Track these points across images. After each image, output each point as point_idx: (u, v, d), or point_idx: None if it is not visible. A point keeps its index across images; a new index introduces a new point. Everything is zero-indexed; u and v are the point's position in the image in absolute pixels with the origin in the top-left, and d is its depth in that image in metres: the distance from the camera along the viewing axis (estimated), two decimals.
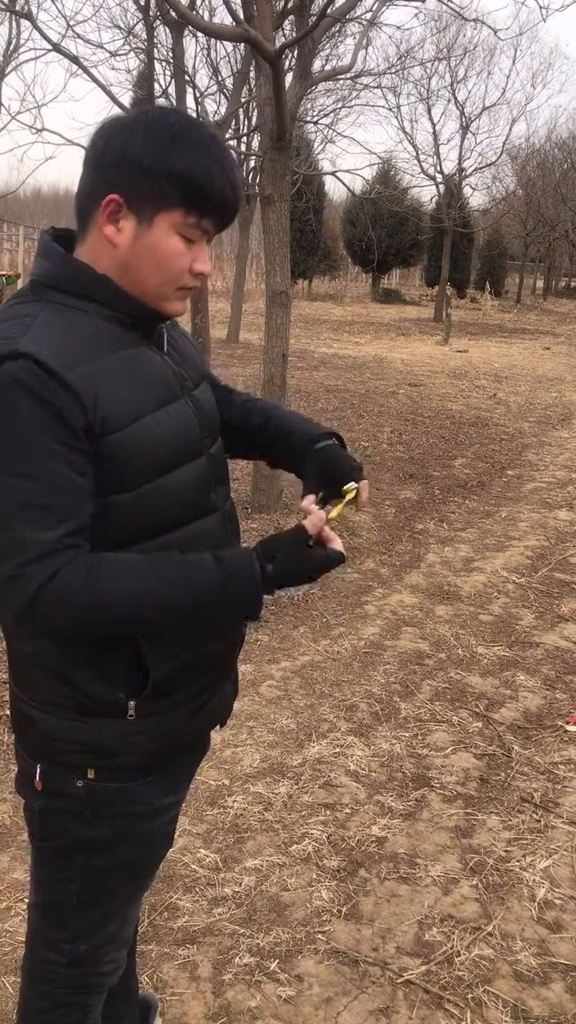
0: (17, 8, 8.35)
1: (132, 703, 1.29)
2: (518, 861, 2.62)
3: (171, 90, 9.06)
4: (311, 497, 1.39)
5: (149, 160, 1.19)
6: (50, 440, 1.14)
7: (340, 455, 1.47)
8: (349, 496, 1.43)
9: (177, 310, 1.31)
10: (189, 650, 1.33)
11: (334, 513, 1.38)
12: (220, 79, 12.13)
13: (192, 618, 1.22)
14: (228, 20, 6.37)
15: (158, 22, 8.74)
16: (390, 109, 22.91)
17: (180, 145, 1.20)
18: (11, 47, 12.77)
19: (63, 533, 1.15)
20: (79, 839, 1.37)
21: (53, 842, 1.39)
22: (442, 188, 24.64)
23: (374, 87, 14.37)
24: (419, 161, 25.13)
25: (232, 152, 1.31)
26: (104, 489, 1.21)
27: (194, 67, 16.28)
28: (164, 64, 9.83)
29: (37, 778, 1.35)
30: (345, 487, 1.43)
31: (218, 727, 1.52)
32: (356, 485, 1.43)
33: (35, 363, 1.14)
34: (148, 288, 1.26)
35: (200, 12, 9.38)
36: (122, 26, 9.93)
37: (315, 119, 15.04)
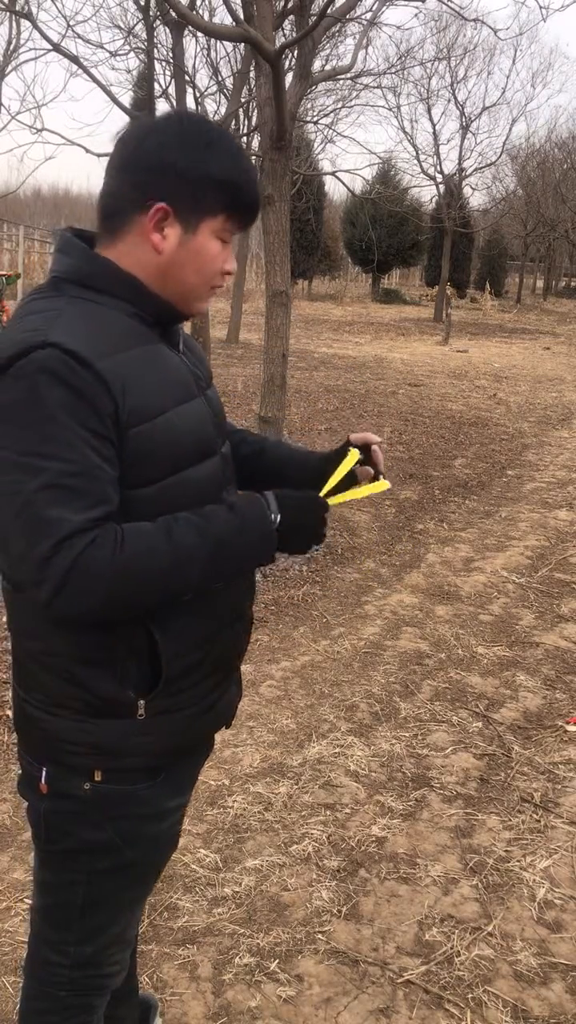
0: (17, 8, 8.35)
1: (142, 702, 1.29)
2: (518, 861, 2.62)
3: (171, 90, 9.07)
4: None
5: (193, 169, 1.24)
6: (79, 426, 1.15)
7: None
8: (353, 454, 1.51)
9: (203, 309, 1.38)
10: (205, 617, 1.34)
11: (341, 474, 1.48)
12: (220, 79, 12.12)
13: (213, 565, 1.24)
14: (228, 20, 6.37)
15: (158, 22, 8.74)
16: (390, 109, 22.94)
17: (216, 153, 1.25)
18: (11, 47, 12.78)
19: (95, 516, 1.16)
20: (85, 842, 1.37)
21: (59, 845, 1.39)
22: (442, 188, 24.66)
23: (374, 87, 14.38)
24: (419, 161, 25.18)
25: None
26: (127, 482, 1.21)
27: (194, 67, 16.32)
28: (164, 64, 9.83)
29: (43, 780, 1.35)
30: (350, 450, 1.52)
31: (224, 727, 1.53)
32: (356, 445, 1.53)
33: (65, 352, 1.14)
34: (186, 290, 1.30)
35: (200, 12, 9.38)
36: (122, 26, 9.93)
37: (315, 119, 15.04)
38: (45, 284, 1.28)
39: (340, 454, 1.54)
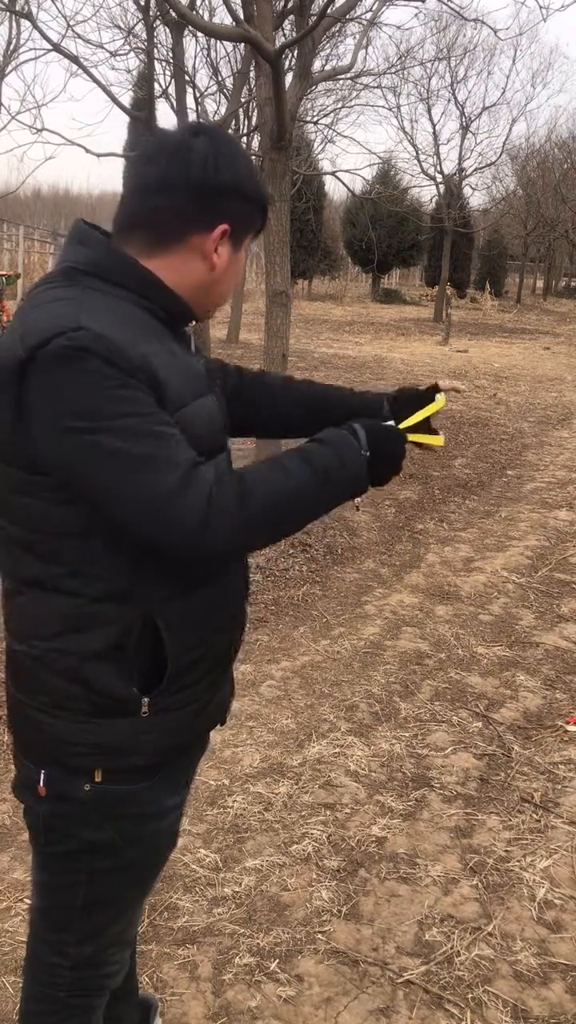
0: (17, 8, 8.36)
1: (146, 699, 1.30)
2: (518, 861, 2.62)
3: (171, 90, 9.07)
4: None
5: (255, 193, 1.33)
6: (132, 391, 1.16)
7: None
8: (441, 400, 1.61)
9: (211, 314, 1.44)
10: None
11: (425, 415, 1.58)
12: (220, 79, 12.12)
13: (320, 497, 1.32)
14: (228, 20, 6.37)
15: (158, 22, 8.74)
16: (390, 109, 22.93)
17: (258, 172, 1.36)
18: (11, 47, 12.77)
19: (195, 453, 1.21)
20: (86, 843, 1.36)
21: (58, 847, 1.39)
22: (442, 188, 24.66)
23: (374, 87, 14.38)
24: (419, 161, 25.16)
25: None
26: None
27: (194, 67, 16.31)
28: (164, 64, 9.83)
29: (41, 783, 1.34)
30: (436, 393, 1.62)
31: (218, 726, 1.53)
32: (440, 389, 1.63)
33: (99, 336, 1.14)
34: (218, 301, 1.38)
35: (200, 12, 9.38)
36: (122, 26, 9.93)
37: (315, 119, 15.04)
38: (56, 273, 1.27)
39: (426, 397, 1.61)
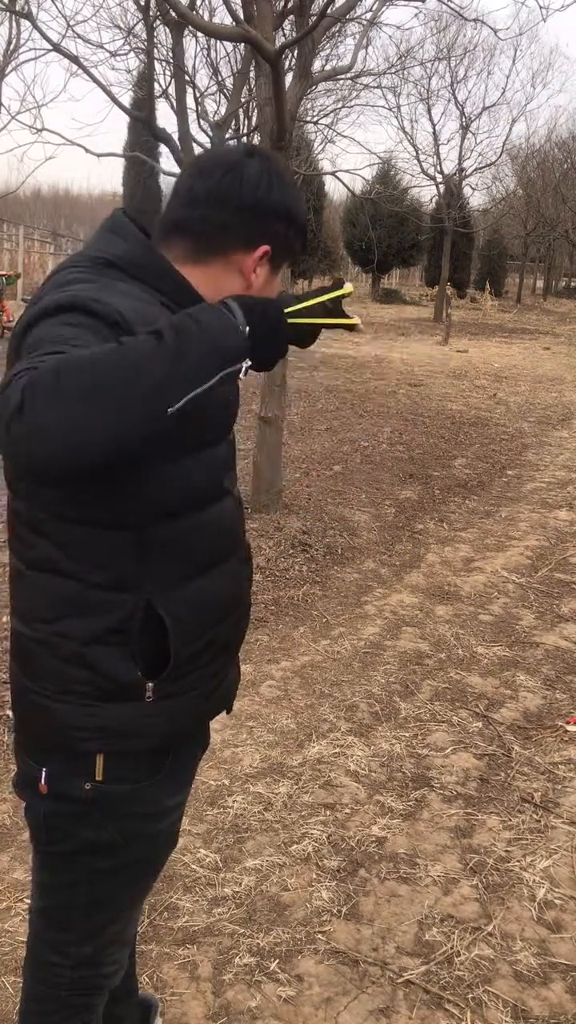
0: (17, 8, 8.36)
1: (151, 684, 1.30)
2: (518, 861, 2.62)
3: (171, 90, 9.06)
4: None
5: (297, 216, 1.35)
6: (109, 340, 1.10)
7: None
8: (348, 288, 1.40)
9: None
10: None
11: (320, 299, 1.33)
12: (220, 79, 12.11)
13: (177, 354, 1.05)
14: (228, 20, 6.37)
15: (158, 22, 8.73)
16: (390, 109, 22.91)
17: (303, 203, 1.37)
18: (11, 47, 12.79)
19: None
20: (86, 842, 1.37)
21: (59, 846, 1.39)
22: (442, 188, 24.66)
23: (374, 87, 14.36)
24: (419, 161, 25.17)
25: None
26: (145, 461, 1.18)
27: (194, 67, 16.30)
28: (164, 64, 9.82)
29: (43, 781, 1.34)
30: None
31: (224, 713, 1.53)
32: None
33: (116, 310, 1.14)
34: None
35: (200, 12, 9.38)
36: (122, 26, 9.91)
37: (315, 119, 15.03)
38: (84, 259, 1.25)
39: (328, 288, 1.46)
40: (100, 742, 1.32)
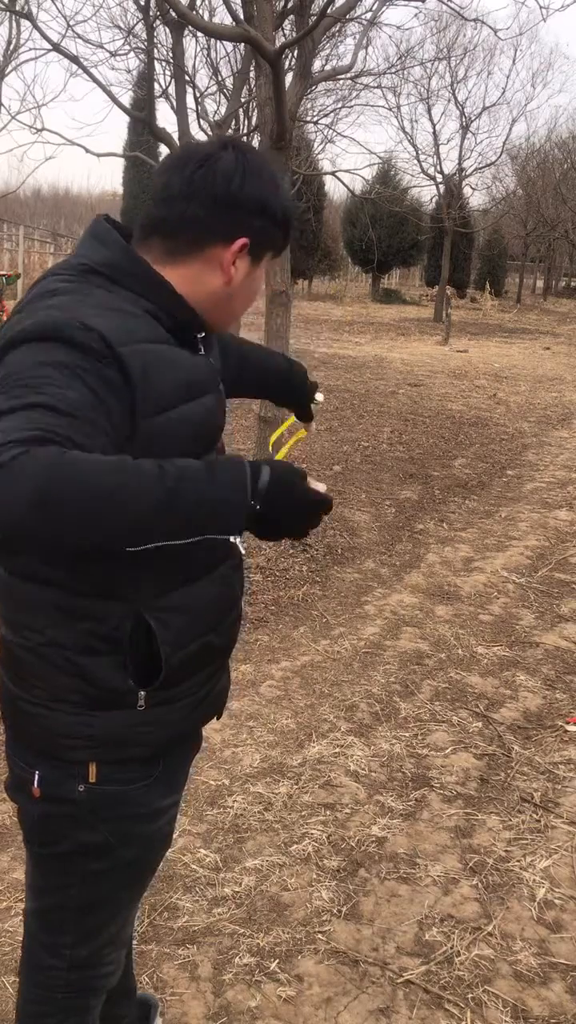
0: (17, 8, 8.36)
1: (143, 693, 1.30)
2: (518, 861, 2.62)
3: (171, 90, 9.07)
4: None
5: (281, 212, 1.33)
6: (86, 383, 1.09)
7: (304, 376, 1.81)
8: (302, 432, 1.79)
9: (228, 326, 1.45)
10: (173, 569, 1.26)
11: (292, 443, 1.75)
12: (220, 79, 12.12)
13: (167, 507, 1.05)
14: (228, 20, 6.37)
15: (158, 22, 8.73)
16: (390, 109, 22.89)
17: (285, 191, 1.35)
18: (11, 47, 12.78)
19: (41, 435, 1.02)
20: (80, 844, 1.36)
21: (52, 848, 1.38)
22: (442, 188, 24.65)
23: (374, 87, 14.39)
24: (419, 161, 25.17)
25: None
26: None
27: (194, 67, 16.31)
28: (164, 64, 9.83)
29: (35, 784, 1.34)
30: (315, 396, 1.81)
31: (215, 719, 1.53)
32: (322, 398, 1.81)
33: (89, 328, 1.13)
34: (234, 315, 1.38)
35: (200, 12, 9.38)
36: (122, 26, 9.92)
37: (315, 119, 15.04)
38: (69, 266, 1.26)
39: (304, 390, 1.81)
40: (91, 751, 1.31)
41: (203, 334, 1.37)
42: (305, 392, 1.79)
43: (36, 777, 1.34)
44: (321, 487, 1.20)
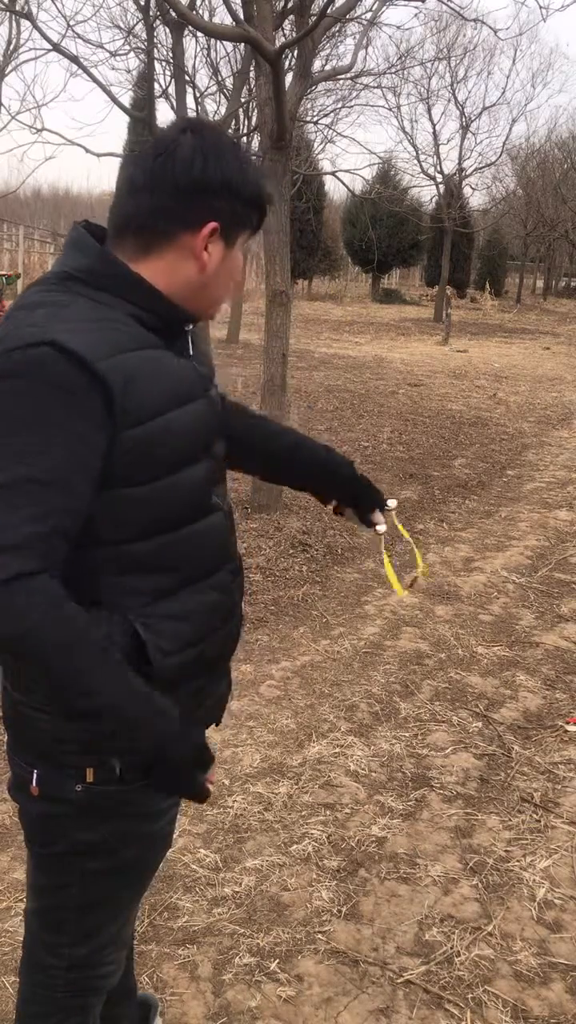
0: (17, 8, 8.36)
1: None
2: (518, 861, 2.62)
3: (171, 90, 9.06)
4: (379, 516, 1.72)
5: (242, 187, 1.28)
6: (64, 430, 1.14)
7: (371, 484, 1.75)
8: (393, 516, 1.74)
9: (217, 313, 1.42)
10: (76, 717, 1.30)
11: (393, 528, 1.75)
12: (220, 79, 12.13)
13: (107, 709, 1.20)
14: (228, 20, 6.37)
15: (158, 22, 8.74)
16: (390, 109, 22.90)
17: (250, 168, 1.31)
18: (11, 47, 12.76)
19: (46, 530, 1.14)
20: (78, 844, 1.36)
21: (51, 848, 1.38)
22: (442, 188, 24.64)
23: (374, 87, 14.39)
24: (419, 161, 25.15)
25: None
26: (119, 482, 1.21)
27: (194, 67, 16.31)
28: (164, 64, 9.83)
29: (34, 783, 1.34)
30: (389, 505, 1.75)
31: (214, 726, 1.52)
32: (395, 504, 1.75)
33: (64, 351, 1.14)
34: (217, 301, 1.36)
35: (200, 12, 9.38)
36: (122, 26, 9.93)
37: (315, 119, 15.04)
38: (52, 276, 1.27)
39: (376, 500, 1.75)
40: (87, 756, 1.31)
41: (191, 326, 1.37)
42: (356, 486, 1.71)
43: (35, 776, 1.34)
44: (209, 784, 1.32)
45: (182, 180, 1.25)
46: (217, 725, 1.53)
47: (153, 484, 1.25)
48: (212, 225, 1.27)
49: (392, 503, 1.74)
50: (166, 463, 1.26)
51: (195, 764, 1.29)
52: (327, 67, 11.10)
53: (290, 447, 1.70)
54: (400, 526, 1.81)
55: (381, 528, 1.72)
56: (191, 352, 1.37)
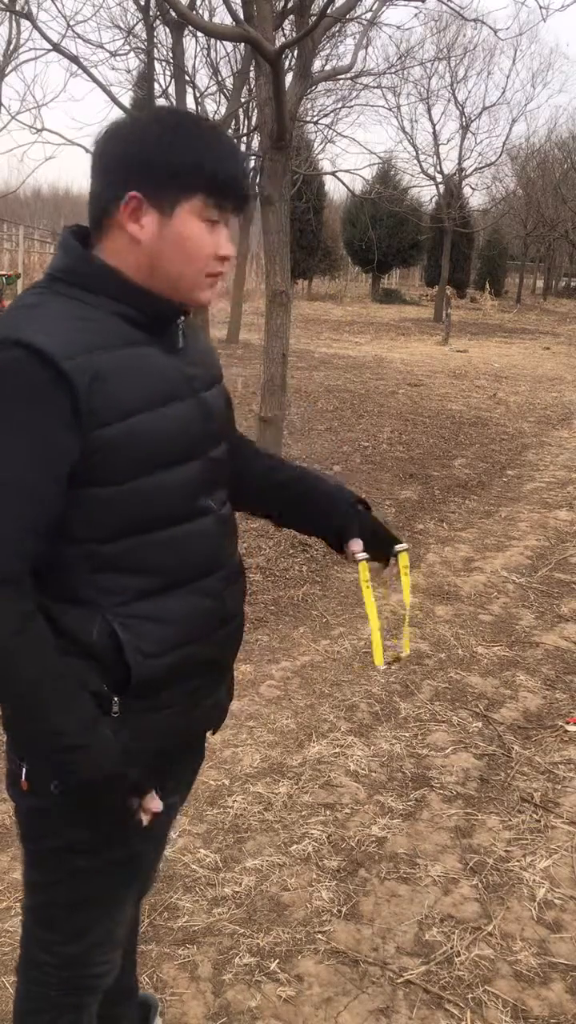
0: (17, 8, 8.36)
1: (116, 699, 1.29)
2: (518, 861, 2.62)
3: (171, 90, 9.07)
4: (359, 543, 1.60)
5: (158, 154, 1.24)
6: (28, 430, 1.16)
7: (382, 523, 1.67)
8: (404, 559, 1.58)
9: (208, 298, 1.34)
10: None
11: (402, 576, 1.59)
12: (220, 79, 12.14)
13: (24, 716, 1.25)
14: (228, 20, 6.37)
15: (158, 22, 8.74)
16: (390, 109, 22.89)
17: (181, 135, 1.26)
18: (11, 47, 12.77)
19: (14, 552, 1.18)
20: (65, 840, 1.36)
21: (40, 843, 1.39)
22: (442, 188, 24.64)
23: (374, 87, 14.40)
24: (419, 161, 25.14)
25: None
26: (89, 481, 1.21)
27: (194, 67, 16.32)
28: (164, 64, 9.85)
29: (23, 777, 1.35)
30: (398, 548, 1.60)
31: (211, 732, 1.51)
32: (407, 546, 1.58)
33: (32, 351, 1.15)
34: (177, 279, 1.30)
35: (200, 12, 9.38)
36: (122, 26, 9.94)
37: (315, 119, 15.06)
38: (42, 280, 1.30)
39: (383, 540, 1.67)
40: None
41: (181, 319, 1.35)
42: (355, 522, 1.65)
43: (24, 771, 1.34)
44: (150, 811, 1.30)
45: (104, 160, 1.29)
46: (214, 732, 1.52)
47: (122, 485, 1.24)
48: (131, 195, 1.25)
49: (402, 546, 1.60)
50: (138, 465, 1.25)
51: (117, 787, 1.28)
52: (327, 67, 11.11)
53: (295, 477, 1.68)
54: (405, 581, 1.60)
55: (360, 556, 1.57)
56: (180, 347, 1.35)
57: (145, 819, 1.30)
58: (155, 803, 1.30)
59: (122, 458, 1.23)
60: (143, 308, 1.28)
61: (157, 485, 1.27)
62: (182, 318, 1.36)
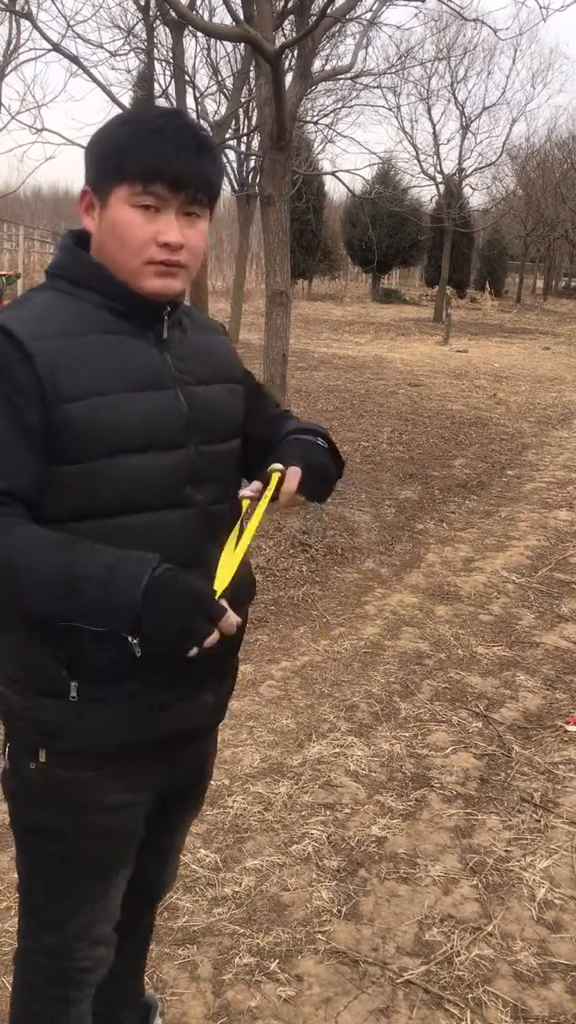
0: (17, 8, 8.36)
1: (74, 684, 1.29)
2: (518, 861, 2.62)
3: (171, 90, 9.07)
4: (245, 482, 1.38)
5: (94, 146, 1.30)
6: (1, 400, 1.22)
7: (303, 444, 1.40)
8: (273, 480, 1.32)
9: (155, 287, 1.30)
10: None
11: (257, 506, 1.30)
12: (220, 79, 12.14)
13: (60, 598, 1.20)
14: (228, 20, 6.37)
15: (158, 22, 8.75)
16: (390, 109, 22.88)
17: (123, 125, 1.30)
18: (11, 47, 12.76)
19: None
20: (38, 825, 1.40)
21: (18, 823, 1.43)
22: (442, 188, 24.63)
23: (374, 87, 14.39)
24: (419, 161, 25.11)
25: (198, 130, 1.32)
26: (54, 459, 1.24)
27: (194, 67, 16.30)
28: (164, 64, 9.85)
29: (5, 758, 1.39)
30: (270, 467, 1.33)
31: (192, 739, 1.47)
32: (281, 467, 1.32)
33: (4, 333, 1.23)
34: (121, 267, 1.31)
35: (200, 12, 9.38)
36: (122, 26, 9.93)
37: (315, 119, 15.06)
38: (46, 278, 1.39)
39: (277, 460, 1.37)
40: (36, 736, 1.34)
41: (168, 310, 1.35)
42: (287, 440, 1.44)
43: (6, 751, 1.38)
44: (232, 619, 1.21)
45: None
46: (195, 740, 1.49)
47: (83, 464, 1.24)
48: (83, 189, 1.32)
49: (278, 466, 1.33)
50: (107, 444, 1.24)
51: (190, 604, 1.19)
52: (327, 67, 11.10)
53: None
54: (263, 502, 1.32)
55: (244, 492, 1.36)
56: (165, 338, 1.35)
57: (213, 639, 1.20)
58: (231, 619, 1.21)
59: (83, 437, 1.24)
60: (119, 300, 1.32)
61: (124, 467, 1.26)
62: (168, 309, 1.35)
